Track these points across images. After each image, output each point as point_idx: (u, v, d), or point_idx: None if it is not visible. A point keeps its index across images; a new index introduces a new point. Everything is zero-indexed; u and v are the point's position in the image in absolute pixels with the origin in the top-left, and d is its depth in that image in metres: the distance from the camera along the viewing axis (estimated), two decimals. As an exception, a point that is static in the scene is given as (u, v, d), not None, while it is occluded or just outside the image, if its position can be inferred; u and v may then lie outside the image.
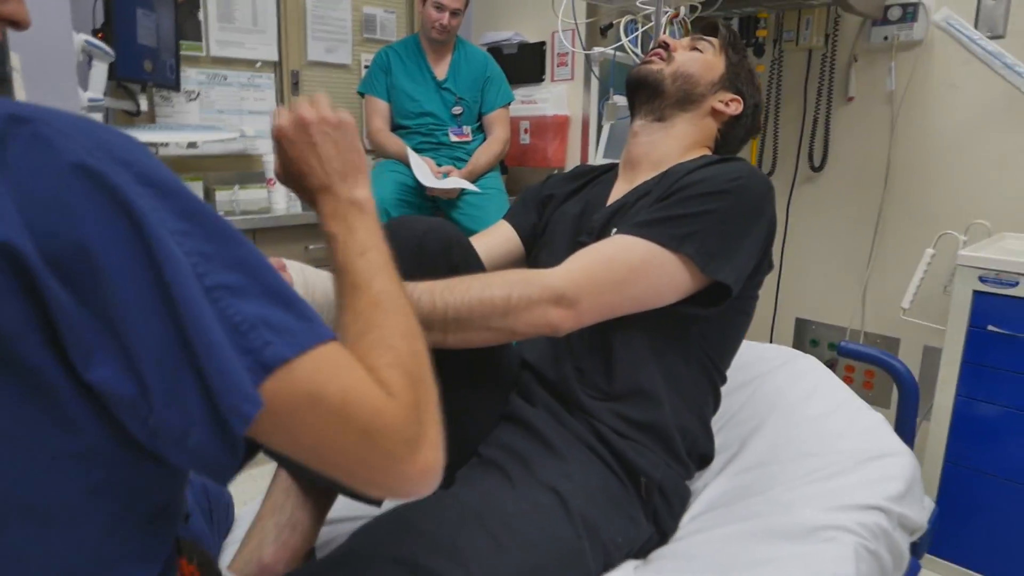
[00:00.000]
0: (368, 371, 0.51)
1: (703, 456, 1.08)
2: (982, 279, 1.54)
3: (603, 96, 2.31)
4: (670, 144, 1.09)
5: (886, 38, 1.99)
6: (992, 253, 1.57)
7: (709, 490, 1.08)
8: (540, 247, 1.16)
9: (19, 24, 0.62)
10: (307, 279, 0.80)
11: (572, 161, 2.87)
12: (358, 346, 0.55)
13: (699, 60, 1.10)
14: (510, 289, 0.85)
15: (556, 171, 2.86)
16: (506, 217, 1.21)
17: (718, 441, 1.13)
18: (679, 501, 1.01)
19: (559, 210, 1.16)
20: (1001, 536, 1.59)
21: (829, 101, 2.15)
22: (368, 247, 0.64)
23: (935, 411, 1.66)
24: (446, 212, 2.48)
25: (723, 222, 0.91)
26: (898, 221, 2.07)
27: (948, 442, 1.65)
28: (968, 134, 1.91)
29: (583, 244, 1.06)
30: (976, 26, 1.86)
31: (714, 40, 1.12)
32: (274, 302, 0.48)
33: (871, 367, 2.20)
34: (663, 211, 0.93)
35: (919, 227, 2.02)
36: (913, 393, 1.44)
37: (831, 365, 1.53)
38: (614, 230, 1.02)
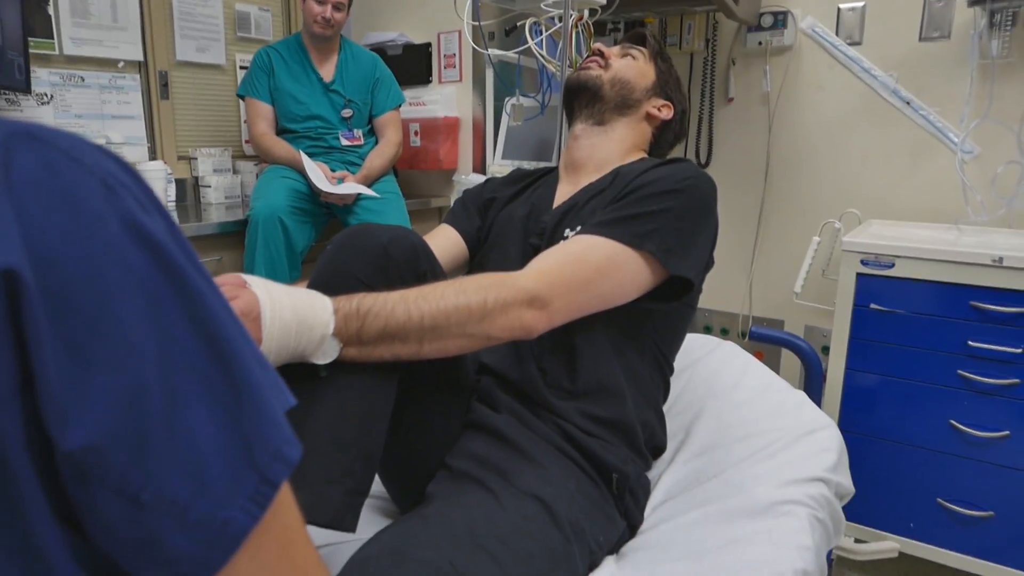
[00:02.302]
0: None
1: (657, 447, 1.11)
2: (863, 262, 1.71)
3: (500, 97, 2.32)
4: (611, 147, 1.12)
5: (760, 43, 2.15)
6: (869, 239, 1.74)
7: (665, 478, 1.12)
8: (488, 250, 1.14)
9: None
10: (272, 297, 0.74)
11: (465, 163, 2.85)
12: None
13: (634, 67, 1.13)
14: (485, 293, 0.84)
15: (453, 172, 2.84)
16: (448, 221, 1.19)
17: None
18: (643, 493, 1.03)
19: (503, 212, 1.15)
20: (891, 492, 1.77)
21: (711, 101, 2.29)
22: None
23: (828, 384, 1.81)
24: (341, 218, 2.39)
25: (679, 219, 0.95)
26: (778, 212, 2.25)
27: (841, 411, 1.81)
28: (834, 131, 2.11)
29: (534, 245, 1.06)
30: (837, 33, 2.05)
31: (643, 49, 1.16)
32: None
33: (760, 347, 2.37)
34: (622, 211, 0.95)
35: (797, 217, 2.21)
36: (818, 370, 1.57)
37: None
38: (567, 230, 1.02)
